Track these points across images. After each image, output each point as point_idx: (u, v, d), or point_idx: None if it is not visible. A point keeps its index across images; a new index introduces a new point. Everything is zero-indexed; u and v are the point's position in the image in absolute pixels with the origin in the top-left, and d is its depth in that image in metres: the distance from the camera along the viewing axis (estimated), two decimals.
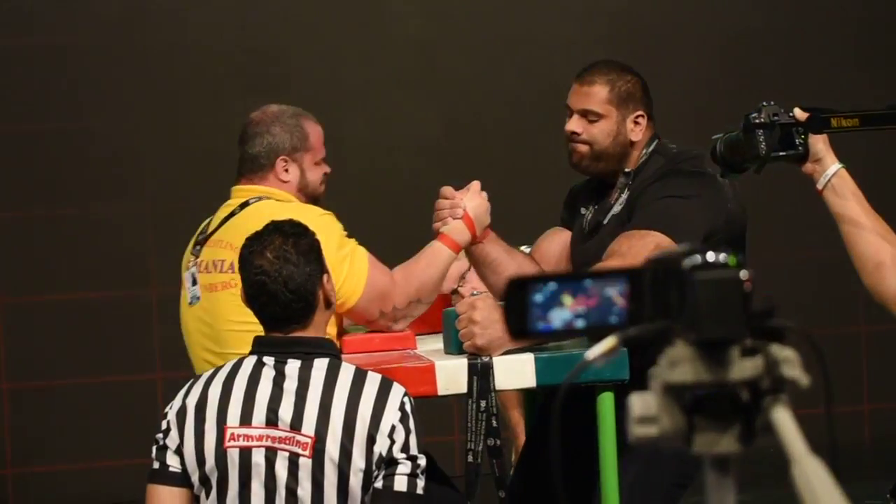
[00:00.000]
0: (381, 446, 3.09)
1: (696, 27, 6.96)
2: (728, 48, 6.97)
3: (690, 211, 3.57)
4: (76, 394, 6.47)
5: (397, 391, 3.15)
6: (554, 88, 7.12)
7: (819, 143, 3.17)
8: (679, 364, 1.53)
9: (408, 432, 3.12)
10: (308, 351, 3.17)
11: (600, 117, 3.72)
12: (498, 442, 3.46)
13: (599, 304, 1.59)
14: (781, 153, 3.17)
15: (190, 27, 6.58)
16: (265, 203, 3.76)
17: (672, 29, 6.92)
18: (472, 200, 3.81)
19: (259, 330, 3.28)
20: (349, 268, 3.67)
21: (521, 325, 1.59)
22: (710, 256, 1.53)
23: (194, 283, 3.81)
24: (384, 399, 3.12)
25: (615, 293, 1.59)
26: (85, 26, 6.52)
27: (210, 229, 3.82)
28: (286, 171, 3.82)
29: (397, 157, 6.68)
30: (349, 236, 3.74)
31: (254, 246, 3.20)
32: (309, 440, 3.09)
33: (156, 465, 3.18)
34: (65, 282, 6.48)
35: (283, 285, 3.14)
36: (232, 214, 3.79)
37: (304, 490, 3.08)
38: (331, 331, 3.52)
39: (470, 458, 3.44)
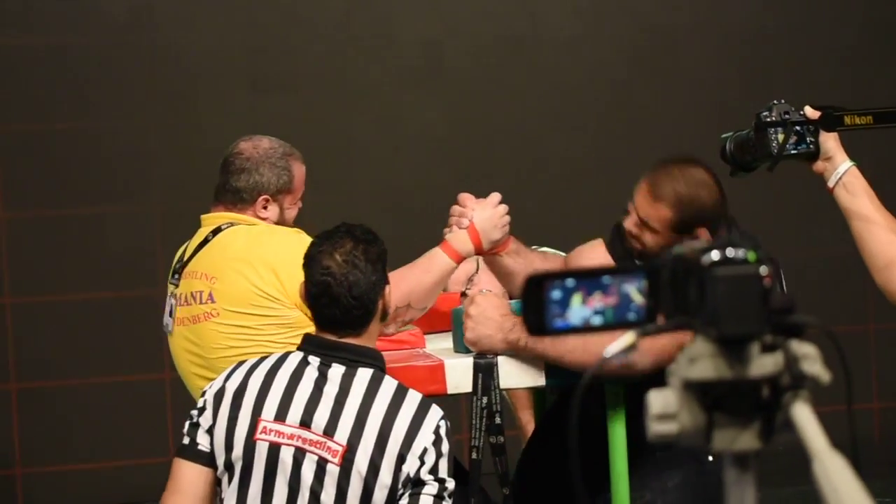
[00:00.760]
0: (410, 466, 3.07)
1: (705, 26, 6.95)
2: (738, 47, 6.95)
3: None
4: (85, 394, 6.46)
5: (434, 414, 3.12)
6: (561, 88, 7.15)
7: (830, 141, 3.17)
8: (698, 360, 1.52)
9: (439, 456, 3.10)
10: (354, 359, 3.15)
11: (657, 233, 3.55)
12: (501, 439, 3.48)
13: (618, 300, 1.58)
14: (793, 151, 3.18)
15: (197, 27, 6.58)
16: (235, 229, 3.78)
17: (681, 28, 6.91)
18: (482, 212, 3.78)
19: (248, 355, 3.29)
20: None
21: (540, 323, 1.59)
22: (730, 252, 1.53)
23: (171, 314, 3.84)
24: (420, 420, 3.10)
25: (633, 290, 1.58)
26: (93, 27, 6.51)
27: (186, 257, 3.84)
28: (265, 208, 3.83)
29: (404, 156, 6.67)
30: None
31: (323, 246, 3.18)
32: (340, 448, 3.08)
33: (186, 440, 3.19)
34: (73, 282, 6.47)
35: (347, 290, 3.13)
36: (205, 241, 3.80)
37: (328, 496, 3.07)
38: None
39: (473, 455, 3.47)
